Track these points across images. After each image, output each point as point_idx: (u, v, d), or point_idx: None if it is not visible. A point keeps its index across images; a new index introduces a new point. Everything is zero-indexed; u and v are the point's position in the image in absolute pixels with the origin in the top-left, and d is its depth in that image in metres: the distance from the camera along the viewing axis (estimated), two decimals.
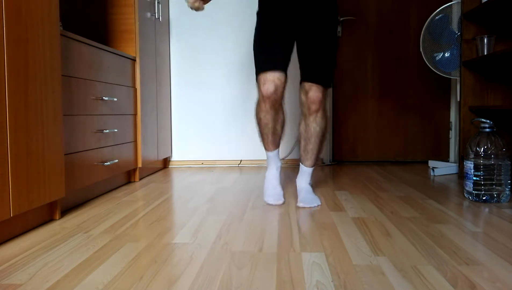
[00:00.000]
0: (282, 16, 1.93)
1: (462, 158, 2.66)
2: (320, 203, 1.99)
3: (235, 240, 1.46)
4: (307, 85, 1.95)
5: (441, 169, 2.90)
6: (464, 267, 1.19)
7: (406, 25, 3.53)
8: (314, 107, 1.96)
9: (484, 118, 2.23)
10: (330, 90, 3.54)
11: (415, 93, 3.56)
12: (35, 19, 1.56)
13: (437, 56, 2.87)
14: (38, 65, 1.58)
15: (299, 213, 1.85)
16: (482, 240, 1.43)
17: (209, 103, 3.47)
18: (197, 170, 3.23)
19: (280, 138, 2.09)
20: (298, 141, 2.13)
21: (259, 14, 1.99)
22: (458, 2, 2.79)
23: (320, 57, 1.95)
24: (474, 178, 2.02)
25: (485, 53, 2.51)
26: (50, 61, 1.66)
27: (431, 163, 3.16)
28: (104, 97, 2.22)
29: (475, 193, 2.02)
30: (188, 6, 1.95)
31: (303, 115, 2.03)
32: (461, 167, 2.72)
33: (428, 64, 2.92)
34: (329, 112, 3.53)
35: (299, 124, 2.08)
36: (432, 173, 2.89)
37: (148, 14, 2.88)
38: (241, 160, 3.48)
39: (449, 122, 3.56)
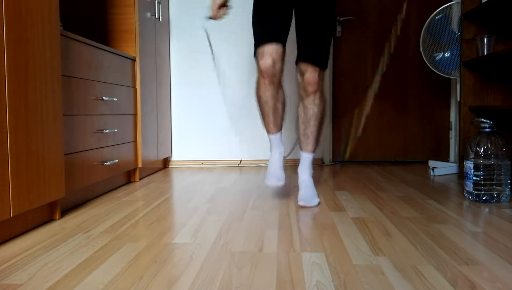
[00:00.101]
0: None
1: (462, 158, 2.66)
2: (319, 201, 1.99)
3: (235, 240, 1.46)
4: (303, 65, 1.94)
5: (441, 169, 2.90)
6: (464, 267, 1.19)
7: (406, 25, 3.53)
8: (311, 88, 1.94)
9: (484, 118, 2.23)
10: (328, 92, 3.54)
11: (415, 93, 3.56)
12: (35, 19, 1.56)
13: (437, 56, 2.87)
14: (38, 65, 1.58)
15: (299, 213, 1.85)
16: (482, 240, 1.43)
17: (209, 103, 3.47)
18: (197, 170, 3.23)
19: (282, 120, 2.04)
20: (296, 126, 2.08)
21: None
22: (458, 2, 2.79)
23: (317, 36, 1.92)
24: (474, 178, 2.02)
25: (485, 53, 2.51)
26: (50, 61, 1.66)
27: (431, 163, 3.16)
28: (104, 97, 2.22)
29: (475, 193, 2.02)
30: (210, 18, 1.95)
31: (300, 97, 2.00)
32: (461, 167, 2.72)
33: (428, 64, 2.92)
34: (329, 112, 3.53)
35: (297, 108, 2.05)
36: (432, 173, 2.89)
37: (148, 14, 2.88)
38: (241, 160, 3.48)
39: (449, 122, 3.56)
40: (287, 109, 2.12)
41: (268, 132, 2.04)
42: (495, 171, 1.98)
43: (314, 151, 2.06)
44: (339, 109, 3.60)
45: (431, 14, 2.86)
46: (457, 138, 3.32)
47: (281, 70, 1.93)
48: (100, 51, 2.20)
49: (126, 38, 2.67)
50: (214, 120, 3.48)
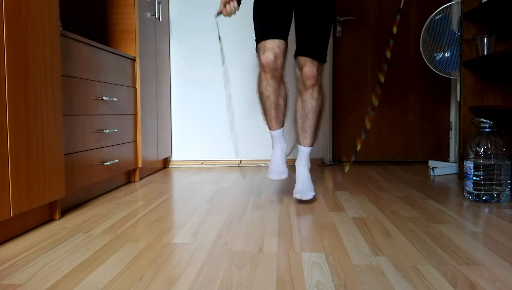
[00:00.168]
0: None
1: (462, 158, 2.66)
2: (314, 194, 1.98)
3: (235, 240, 1.46)
4: (302, 59, 1.94)
5: (441, 169, 2.90)
6: (464, 267, 1.19)
7: (406, 25, 3.53)
8: (309, 82, 1.94)
9: (484, 118, 2.23)
10: (328, 91, 3.54)
11: (415, 93, 3.56)
12: (35, 19, 1.56)
13: (437, 56, 2.87)
14: (38, 65, 1.58)
15: (299, 213, 1.85)
16: (482, 240, 1.43)
17: (209, 103, 3.47)
18: (197, 170, 3.23)
19: (283, 116, 2.03)
20: (295, 120, 2.07)
21: None
22: (458, 2, 2.79)
23: (316, 30, 1.92)
24: (474, 178, 2.02)
25: (485, 53, 2.51)
26: (50, 61, 1.66)
27: (431, 163, 3.16)
28: (104, 97, 2.22)
29: (475, 193, 2.02)
30: (220, 15, 1.94)
31: (299, 91, 2.00)
32: (461, 167, 2.72)
33: (428, 64, 2.92)
34: (329, 112, 3.54)
35: (296, 102, 2.04)
36: (432, 173, 2.89)
37: (148, 14, 2.88)
38: (241, 160, 3.48)
39: (449, 122, 3.56)
40: (288, 106, 2.12)
41: (270, 128, 2.03)
42: (495, 171, 1.98)
43: (312, 145, 2.06)
44: (339, 109, 3.60)
45: (431, 14, 2.86)
46: (457, 138, 3.32)
47: (283, 65, 1.93)
48: (100, 51, 2.20)
49: (126, 38, 2.67)
50: (214, 120, 3.48)
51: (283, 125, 2.04)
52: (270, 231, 1.57)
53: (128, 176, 2.71)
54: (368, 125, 1.52)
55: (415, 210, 1.87)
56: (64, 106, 1.83)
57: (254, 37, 2.01)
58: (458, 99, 2.79)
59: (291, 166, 3.30)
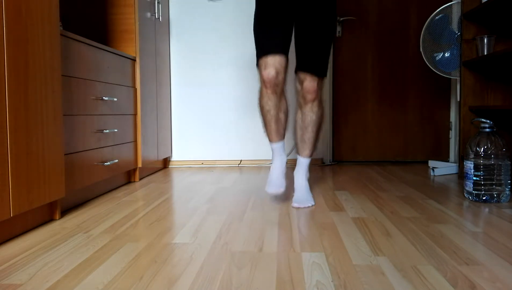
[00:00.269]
0: (280, 1, 1.92)
1: (462, 158, 2.66)
2: (313, 203, 1.99)
3: (235, 240, 1.46)
4: (302, 74, 1.95)
5: (441, 169, 2.90)
6: (464, 267, 1.19)
7: (406, 25, 3.53)
8: (309, 96, 1.95)
9: (484, 118, 2.23)
10: (328, 91, 3.54)
11: (415, 93, 3.56)
12: (35, 19, 1.56)
13: (437, 56, 2.87)
14: (38, 65, 1.58)
15: (299, 213, 1.85)
16: (482, 240, 1.43)
17: (209, 103, 3.48)
18: (197, 170, 3.23)
19: (284, 129, 2.04)
20: (294, 132, 2.09)
21: None
22: (458, 2, 2.79)
23: (317, 45, 1.93)
24: (474, 178, 2.02)
25: (485, 53, 2.51)
26: (50, 61, 1.66)
27: (431, 163, 3.16)
28: (104, 97, 2.22)
29: (475, 193, 2.02)
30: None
31: (299, 105, 2.02)
32: (461, 167, 2.72)
33: (428, 64, 2.92)
34: (329, 112, 3.53)
35: (295, 114, 2.06)
36: (432, 173, 2.89)
37: (148, 14, 2.88)
38: (241, 160, 3.48)
39: (449, 122, 3.56)
40: (289, 110, 2.12)
41: (270, 140, 2.04)
42: (495, 171, 1.98)
43: (310, 156, 2.08)
44: (339, 109, 3.60)
45: (431, 14, 2.86)
46: (457, 138, 3.32)
47: (284, 81, 1.95)
48: (100, 51, 2.20)
49: (126, 38, 2.67)
50: (214, 120, 3.48)
51: (283, 138, 2.06)
52: (270, 231, 1.57)
53: (128, 176, 2.71)
54: None
55: (415, 210, 1.87)
56: (64, 106, 1.83)
57: (252, 35, 2.01)
58: (458, 99, 2.79)
59: (291, 166, 3.30)
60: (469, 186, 2.04)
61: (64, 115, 1.83)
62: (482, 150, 1.99)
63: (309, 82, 1.93)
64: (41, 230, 1.62)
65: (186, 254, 1.33)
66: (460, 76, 2.71)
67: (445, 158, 3.55)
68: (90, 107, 2.08)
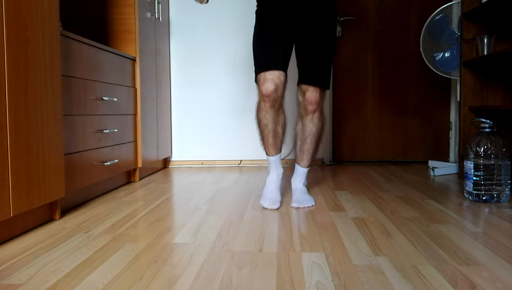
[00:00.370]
0: (281, 15, 1.93)
1: (462, 158, 2.66)
2: (314, 204, 1.99)
3: (235, 240, 1.46)
4: (305, 86, 1.96)
5: (441, 169, 2.90)
6: (464, 267, 1.19)
7: (406, 25, 3.53)
8: (311, 108, 1.96)
9: (484, 118, 2.23)
10: (328, 92, 3.54)
11: (415, 93, 3.56)
12: (35, 19, 1.56)
13: (437, 56, 2.87)
14: (38, 65, 1.58)
15: (299, 213, 1.85)
16: (482, 240, 1.43)
17: (209, 103, 3.47)
18: (197, 170, 3.23)
19: (281, 142, 2.06)
20: (294, 141, 2.11)
21: (258, 13, 1.99)
22: (458, 2, 2.79)
23: (318, 59, 1.94)
24: (474, 178, 2.02)
25: (485, 53, 2.51)
26: (50, 61, 1.66)
27: (431, 163, 3.16)
28: (104, 97, 2.22)
29: (475, 193, 2.02)
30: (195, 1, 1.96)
31: (300, 115, 2.03)
32: (461, 167, 2.72)
33: (428, 64, 2.92)
34: (329, 112, 3.53)
35: (296, 124, 2.07)
36: (432, 173, 2.89)
37: (148, 14, 2.88)
38: (241, 160, 3.48)
39: (449, 122, 3.56)
40: (287, 110, 2.13)
41: (267, 154, 2.06)
42: (495, 171, 1.98)
43: (308, 167, 2.10)
44: (339, 109, 3.60)
45: (431, 14, 2.86)
46: (457, 138, 3.32)
47: (283, 95, 1.96)
48: (100, 51, 2.20)
49: (126, 38, 2.67)
50: (214, 120, 3.48)
51: (280, 151, 2.07)
52: (270, 231, 1.57)
53: (128, 176, 2.71)
54: None
55: (415, 210, 1.87)
56: (64, 106, 1.83)
57: (252, 35, 2.01)
58: (458, 99, 2.79)
59: (291, 167, 3.30)
60: (469, 186, 2.04)
61: (64, 115, 1.83)
62: (482, 150, 1.99)
63: (311, 93, 1.94)
64: (41, 230, 1.62)
65: (186, 254, 1.33)
66: (460, 76, 2.71)
67: (445, 158, 3.55)
68: (90, 107, 2.08)
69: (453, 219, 1.71)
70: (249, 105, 3.43)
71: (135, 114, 2.69)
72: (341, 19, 3.52)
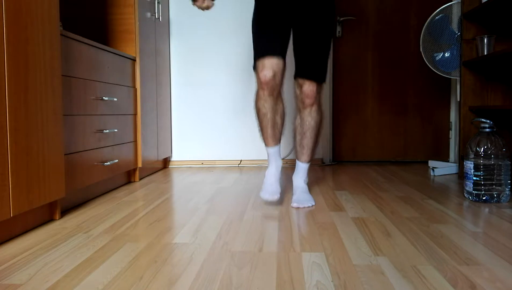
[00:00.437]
0: (279, 4, 1.92)
1: (462, 158, 2.66)
2: (314, 203, 1.98)
3: (235, 240, 1.46)
4: (301, 80, 1.96)
5: (441, 169, 2.90)
6: (464, 267, 1.19)
7: (406, 25, 3.53)
8: (308, 101, 1.96)
9: (484, 118, 2.23)
10: (328, 91, 3.54)
11: (415, 93, 3.56)
12: (35, 19, 1.56)
13: (437, 56, 2.87)
14: (38, 65, 1.58)
15: (299, 213, 1.85)
16: (482, 240, 1.43)
17: (209, 103, 3.47)
18: (197, 170, 3.23)
19: (280, 133, 2.04)
20: (293, 137, 2.10)
21: (256, 1, 1.98)
22: (458, 2, 2.79)
23: (315, 52, 1.94)
24: (474, 178, 2.02)
25: (485, 53, 2.51)
26: (50, 61, 1.66)
27: (431, 163, 3.16)
28: (104, 97, 2.22)
29: (475, 193, 2.02)
30: (195, 5, 1.95)
31: (298, 109, 2.03)
32: (461, 167, 2.72)
33: (428, 64, 2.92)
34: (329, 112, 3.53)
35: (295, 119, 2.06)
36: (432, 173, 2.89)
37: (148, 14, 2.88)
38: (241, 160, 3.48)
39: (449, 122, 3.56)
40: (287, 108, 2.12)
41: (266, 144, 2.04)
42: (495, 171, 1.98)
43: (309, 161, 2.08)
44: (339, 109, 3.60)
45: (431, 14, 2.86)
46: (457, 138, 3.32)
47: (281, 83, 1.95)
48: (100, 51, 2.20)
49: (126, 38, 2.67)
50: (214, 120, 3.48)
51: (279, 142, 2.05)
52: (270, 231, 1.57)
53: (128, 176, 2.71)
54: None
55: (415, 210, 1.87)
56: (64, 106, 1.83)
57: (252, 36, 2.01)
58: (458, 99, 2.79)
59: (291, 166, 3.30)
60: (469, 186, 2.04)
61: (64, 115, 1.83)
62: (482, 150, 1.99)
63: (308, 87, 1.94)
64: (41, 230, 1.62)
65: (186, 254, 1.33)
66: (460, 76, 2.71)
67: (445, 158, 3.55)
68: (90, 107, 2.08)
69: (453, 219, 1.71)
70: (249, 105, 3.43)
71: (135, 114, 2.69)
72: (341, 19, 3.52)
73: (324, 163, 3.52)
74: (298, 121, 2.04)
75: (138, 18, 2.67)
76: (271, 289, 1.06)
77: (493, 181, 1.99)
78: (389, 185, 2.51)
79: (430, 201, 2.06)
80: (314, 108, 1.98)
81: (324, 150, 3.51)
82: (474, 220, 1.70)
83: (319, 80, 1.96)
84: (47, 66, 1.63)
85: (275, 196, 1.92)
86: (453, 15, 2.82)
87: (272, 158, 2.05)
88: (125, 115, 2.53)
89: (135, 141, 2.68)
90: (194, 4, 1.94)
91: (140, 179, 2.83)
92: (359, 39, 3.56)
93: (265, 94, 1.92)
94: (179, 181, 2.73)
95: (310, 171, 3.11)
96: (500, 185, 1.99)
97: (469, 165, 2.03)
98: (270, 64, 1.88)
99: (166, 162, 3.46)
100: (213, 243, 1.44)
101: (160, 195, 2.27)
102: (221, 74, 3.46)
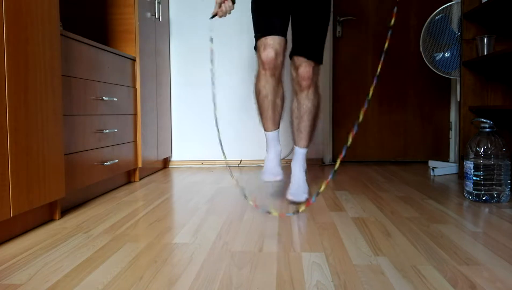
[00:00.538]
0: None
1: (462, 158, 2.66)
2: (308, 196, 1.97)
3: (235, 240, 1.46)
4: (298, 60, 1.92)
5: (441, 169, 2.90)
6: (464, 267, 1.19)
7: (406, 25, 3.53)
8: (304, 83, 1.92)
9: (484, 118, 2.23)
10: (328, 91, 3.54)
11: (415, 93, 3.56)
12: (35, 19, 1.56)
13: (437, 56, 2.87)
14: (38, 65, 1.58)
15: (299, 213, 1.85)
16: (482, 240, 1.43)
17: (209, 103, 3.47)
18: (197, 170, 3.23)
19: (280, 117, 2.01)
20: (290, 121, 2.05)
21: None
22: (458, 2, 2.79)
23: (312, 31, 1.91)
24: (474, 178, 2.02)
25: (485, 53, 2.51)
26: (50, 61, 1.66)
27: (431, 163, 3.16)
28: (104, 97, 2.22)
29: (475, 193, 2.02)
30: (214, 17, 1.94)
31: (294, 92, 1.98)
32: (461, 167, 2.72)
33: (428, 64, 2.92)
34: (329, 112, 3.53)
35: (291, 103, 2.02)
36: (432, 173, 2.89)
37: (148, 14, 2.88)
38: (241, 160, 3.48)
39: (449, 122, 3.56)
40: (285, 106, 2.10)
41: (266, 129, 2.00)
42: (495, 171, 1.98)
43: (307, 146, 2.03)
44: (339, 109, 3.60)
45: (431, 14, 2.86)
46: (457, 138, 3.32)
47: (282, 64, 1.92)
48: (100, 51, 2.20)
49: (126, 38, 2.67)
50: (214, 120, 3.47)
51: (278, 127, 2.01)
52: (270, 231, 1.57)
53: (128, 176, 2.71)
54: (360, 118, 1.50)
55: (415, 210, 1.87)
56: (64, 106, 1.83)
57: (253, 36, 2.00)
58: (458, 99, 2.79)
59: (288, 166, 3.30)
60: (469, 186, 2.04)
61: (64, 115, 1.83)
62: (482, 150, 1.99)
63: (304, 68, 1.90)
64: (41, 230, 1.62)
65: (186, 254, 1.33)
66: (460, 76, 2.71)
67: (445, 158, 3.55)
68: (90, 107, 2.08)
69: (453, 219, 1.71)
70: (249, 105, 3.43)
71: (135, 114, 2.69)
72: (341, 19, 3.52)
73: (324, 163, 3.52)
74: (295, 104, 1.99)
75: (138, 18, 2.67)
76: (271, 289, 1.06)
77: (493, 181, 1.99)
78: (389, 185, 2.51)
79: (430, 201, 2.06)
80: (311, 90, 1.94)
81: (324, 150, 3.51)
82: (474, 220, 1.70)
83: (315, 59, 1.91)
84: (47, 66, 1.63)
85: (277, 177, 1.90)
86: (453, 15, 2.82)
87: (271, 143, 2.01)
88: (125, 115, 2.53)
89: (135, 141, 2.68)
90: (213, 17, 1.93)
91: (140, 179, 2.83)
92: (359, 39, 3.56)
93: (266, 74, 1.89)
94: (179, 181, 2.73)
95: (310, 171, 3.11)
96: (500, 185, 1.99)
97: (469, 165, 2.03)
98: (272, 43, 1.86)
99: (166, 162, 3.46)
100: (213, 243, 1.44)
101: (160, 195, 2.27)
102: (221, 74, 3.46)
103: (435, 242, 1.42)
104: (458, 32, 2.78)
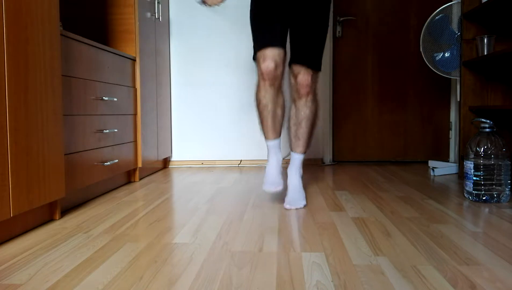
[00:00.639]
0: None
1: (462, 158, 2.66)
2: (305, 203, 1.97)
3: (235, 240, 1.46)
4: (296, 68, 1.93)
5: (441, 169, 2.90)
6: (464, 267, 1.19)
7: (406, 25, 3.53)
8: (303, 91, 1.93)
9: (484, 118, 2.23)
10: (328, 91, 3.54)
11: (415, 93, 3.56)
12: (35, 19, 1.56)
13: (437, 56, 2.87)
14: (38, 65, 1.58)
15: (299, 213, 1.85)
16: (482, 240, 1.43)
17: (209, 103, 3.48)
18: (197, 170, 3.23)
19: (281, 126, 2.01)
20: (288, 128, 2.06)
21: None
22: (458, 2, 2.79)
23: (311, 39, 1.92)
24: (474, 178, 2.02)
25: (485, 53, 2.51)
26: (50, 61, 1.66)
27: (431, 163, 3.16)
28: (104, 97, 2.22)
29: (475, 193, 2.02)
30: (203, 4, 1.93)
31: (293, 99, 1.99)
32: (461, 167, 2.72)
33: (428, 64, 2.92)
34: (329, 112, 3.53)
35: (290, 110, 2.03)
36: (432, 173, 2.89)
37: (148, 14, 2.88)
38: (241, 160, 3.48)
39: (449, 122, 3.56)
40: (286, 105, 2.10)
41: (266, 138, 2.01)
42: (495, 171, 1.98)
43: (304, 153, 2.05)
44: (339, 109, 3.60)
45: (431, 14, 2.86)
46: (457, 138, 3.32)
47: (282, 74, 1.93)
48: (100, 51, 2.20)
49: (126, 38, 2.67)
50: (214, 120, 3.48)
51: (279, 136, 2.02)
52: (270, 231, 1.57)
53: (128, 176, 2.71)
54: None
55: (415, 210, 1.87)
56: (64, 106, 1.83)
57: (252, 36, 2.00)
58: (458, 99, 2.79)
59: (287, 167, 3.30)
60: (469, 186, 2.04)
61: (64, 115, 1.83)
62: (482, 150, 1.99)
63: (303, 76, 1.91)
64: (41, 230, 1.62)
65: (186, 254, 1.33)
66: (460, 76, 2.71)
67: (445, 158, 3.55)
68: (90, 107, 2.08)
69: (453, 219, 1.71)
70: (249, 105, 3.43)
71: (135, 114, 2.69)
72: (341, 19, 3.52)
73: (324, 163, 3.52)
74: (293, 111, 2.01)
75: (138, 18, 2.67)
76: (271, 289, 1.06)
77: (493, 181, 1.99)
78: (389, 185, 2.51)
79: (430, 201, 2.06)
80: (310, 97, 1.95)
81: (324, 150, 3.51)
82: (474, 220, 1.70)
83: (314, 67, 1.93)
84: (47, 66, 1.63)
85: (278, 187, 1.92)
86: (453, 15, 2.82)
87: (272, 151, 2.02)
88: (125, 115, 2.53)
89: (135, 141, 2.68)
90: (205, 4, 1.92)
91: (140, 179, 2.83)
92: (359, 39, 3.56)
93: (266, 84, 1.90)
94: (179, 181, 2.73)
95: (310, 171, 3.11)
96: (500, 185, 1.99)
97: (469, 165, 2.03)
98: (272, 55, 1.86)
99: (166, 162, 3.46)
100: (213, 243, 1.44)
101: (160, 195, 2.27)
102: (221, 74, 3.46)
103: (435, 242, 1.42)
104: (458, 32, 2.78)
